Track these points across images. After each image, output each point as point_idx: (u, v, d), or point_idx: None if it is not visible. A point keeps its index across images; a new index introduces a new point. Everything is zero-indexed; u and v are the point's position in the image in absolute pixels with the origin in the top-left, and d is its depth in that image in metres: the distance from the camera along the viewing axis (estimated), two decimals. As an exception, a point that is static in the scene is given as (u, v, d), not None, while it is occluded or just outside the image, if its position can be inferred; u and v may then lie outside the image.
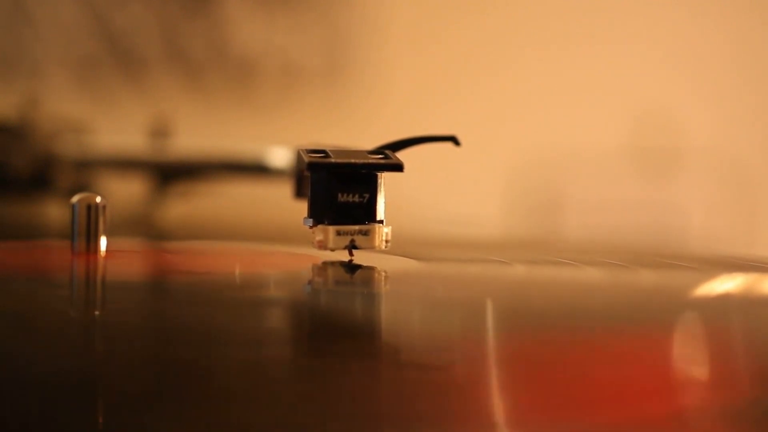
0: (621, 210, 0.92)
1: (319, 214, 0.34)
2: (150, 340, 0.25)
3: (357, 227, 0.34)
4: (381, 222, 0.35)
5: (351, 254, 0.35)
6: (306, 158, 0.34)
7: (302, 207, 0.35)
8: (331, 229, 0.34)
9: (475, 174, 0.92)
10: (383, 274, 0.36)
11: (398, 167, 0.34)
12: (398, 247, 0.36)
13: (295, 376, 0.22)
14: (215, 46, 1.02)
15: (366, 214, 0.34)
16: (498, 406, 0.20)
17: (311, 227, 0.34)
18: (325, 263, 0.37)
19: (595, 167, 0.94)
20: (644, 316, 0.29)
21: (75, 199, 0.35)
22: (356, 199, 0.34)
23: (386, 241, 0.35)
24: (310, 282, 0.36)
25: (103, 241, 0.35)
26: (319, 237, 0.34)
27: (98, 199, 0.35)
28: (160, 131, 0.65)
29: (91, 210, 0.35)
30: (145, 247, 0.49)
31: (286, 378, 0.22)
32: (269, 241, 0.49)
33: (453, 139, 0.36)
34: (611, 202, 0.92)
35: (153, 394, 0.20)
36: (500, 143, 0.95)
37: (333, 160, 0.34)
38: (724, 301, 0.33)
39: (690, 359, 0.24)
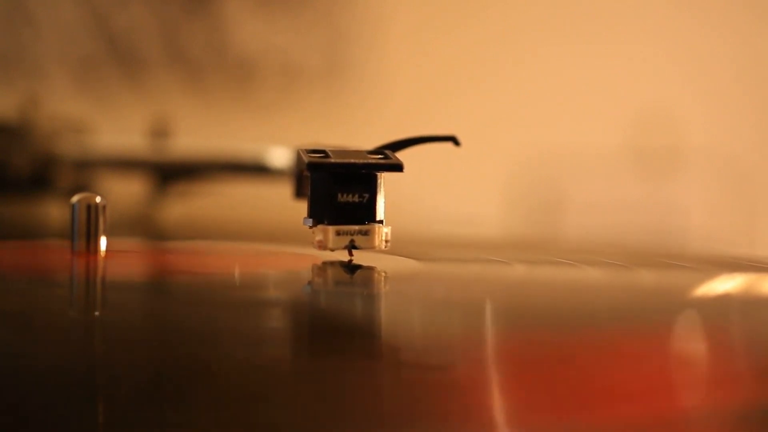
0: (621, 210, 0.92)
1: (318, 214, 0.34)
2: (150, 340, 0.25)
3: (357, 227, 0.34)
4: (381, 222, 0.35)
5: (351, 254, 0.35)
6: (306, 158, 0.34)
7: (302, 207, 0.35)
8: (331, 229, 0.34)
9: (475, 174, 0.92)
10: (383, 274, 0.36)
11: (398, 167, 0.34)
12: (398, 247, 0.36)
13: (295, 377, 0.22)
14: (215, 46, 1.02)
15: (366, 214, 0.34)
16: (498, 406, 0.20)
17: (311, 227, 0.34)
18: (324, 263, 0.37)
19: (595, 167, 0.94)
20: (644, 316, 0.29)
21: (75, 199, 0.35)
22: (356, 199, 0.34)
23: (386, 241, 0.35)
24: (309, 282, 0.36)
25: (103, 241, 0.35)
26: (318, 237, 0.34)
27: (98, 199, 0.35)
28: (160, 131, 0.65)
29: (91, 210, 0.35)
30: (145, 247, 0.49)
31: (286, 379, 0.22)
32: (269, 241, 0.49)
33: (453, 139, 0.36)
34: (611, 202, 0.92)
35: (153, 395, 0.20)
36: (500, 143, 0.95)
37: (333, 160, 0.34)
38: (724, 301, 0.33)
39: (690, 359, 0.24)
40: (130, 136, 0.66)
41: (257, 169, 0.63)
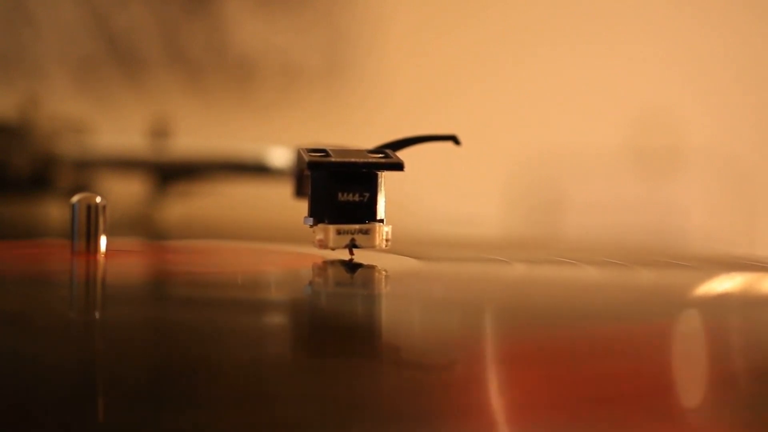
0: (621, 210, 0.92)
1: (319, 213, 0.34)
2: (150, 340, 0.25)
3: (357, 226, 0.34)
4: (381, 221, 0.35)
5: (351, 253, 0.35)
6: (306, 157, 0.34)
7: (302, 206, 0.35)
8: (332, 228, 0.34)
9: (475, 173, 0.92)
10: (383, 273, 0.36)
11: (398, 166, 0.34)
12: (398, 246, 0.36)
13: (295, 377, 0.22)
14: (215, 46, 1.02)
15: (366, 213, 0.34)
16: (498, 405, 0.20)
17: (311, 226, 0.34)
18: (325, 262, 0.37)
19: (595, 167, 0.94)
20: (644, 316, 0.29)
21: (75, 199, 0.35)
22: (356, 198, 0.34)
23: (386, 240, 0.35)
24: (310, 281, 0.36)
25: (103, 241, 0.35)
26: (319, 236, 0.34)
27: (98, 199, 0.35)
28: (160, 131, 0.65)
29: (91, 210, 0.35)
30: (145, 247, 0.49)
31: (286, 378, 0.22)
32: (269, 240, 0.49)
33: (453, 139, 0.36)
34: (611, 202, 0.92)
35: (153, 395, 0.20)
36: (500, 143, 0.95)
37: (333, 159, 0.34)
38: (724, 301, 0.33)
39: (689, 358, 0.24)
40: (130, 136, 0.66)
41: (257, 169, 0.63)
